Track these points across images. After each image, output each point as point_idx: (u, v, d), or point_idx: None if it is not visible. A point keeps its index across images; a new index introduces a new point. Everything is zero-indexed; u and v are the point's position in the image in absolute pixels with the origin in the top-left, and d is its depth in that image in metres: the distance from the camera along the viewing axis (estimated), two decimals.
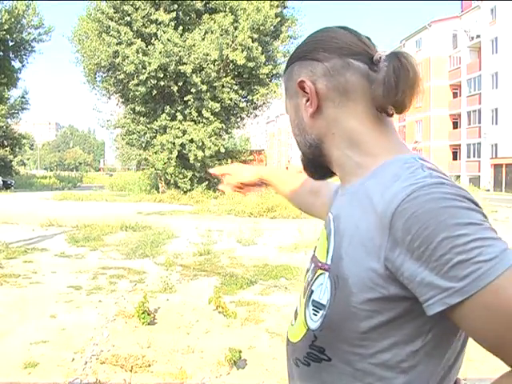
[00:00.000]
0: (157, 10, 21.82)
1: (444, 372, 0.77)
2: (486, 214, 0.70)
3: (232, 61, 21.91)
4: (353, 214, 0.79)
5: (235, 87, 22.86)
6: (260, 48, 21.83)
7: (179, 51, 21.11)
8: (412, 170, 0.73)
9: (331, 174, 0.92)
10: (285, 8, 24.40)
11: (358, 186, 0.81)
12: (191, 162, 22.46)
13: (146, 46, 21.54)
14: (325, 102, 0.85)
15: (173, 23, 21.57)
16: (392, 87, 0.79)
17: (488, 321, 0.64)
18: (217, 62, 22.03)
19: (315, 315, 0.81)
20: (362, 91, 0.83)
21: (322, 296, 0.80)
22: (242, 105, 23.89)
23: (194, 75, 21.44)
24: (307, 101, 0.86)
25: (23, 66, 32.36)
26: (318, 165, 0.91)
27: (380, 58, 0.83)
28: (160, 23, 21.63)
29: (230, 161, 24.41)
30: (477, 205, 0.70)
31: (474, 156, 39.93)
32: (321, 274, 0.82)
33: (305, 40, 0.91)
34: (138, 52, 21.22)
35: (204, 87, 21.76)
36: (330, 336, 0.78)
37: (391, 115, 0.84)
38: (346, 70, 0.83)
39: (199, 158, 22.28)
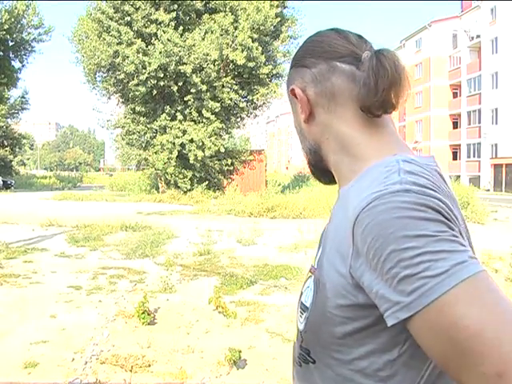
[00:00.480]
0: (157, 9, 21.82)
1: (428, 381, 0.73)
2: (453, 224, 0.66)
3: (232, 61, 21.91)
4: (337, 219, 0.79)
5: (235, 87, 22.86)
6: (260, 48, 21.82)
7: (179, 51, 21.10)
8: (387, 175, 0.70)
9: (331, 179, 0.91)
10: (285, 8, 24.37)
11: (346, 190, 0.80)
12: (191, 161, 22.45)
13: (146, 46, 21.54)
14: (316, 108, 0.85)
15: (173, 23, 21.57)
16: (371, 87, 0.77)
17: (434, 338, 0.62)
18: (217, 62, 22.02)
19: (301, 317, 0.82)
20: (349, 94, 0.82)
21: (307, 299, 0.81)
22: (242, 105, 23.87)
23: (193, 75, 21.44)
24: (301, 107, 0.87)
25: (23, 65, 32.34)
26: (321, 169, 0.91)
27: (366, 57, 0.80)
28: (160, 23, 21.63)
29: (229, 161, 24.43)
30: (443, 215, 0.66)
31: (474, 156, 39.92)
32: (309, 276, 0.84)
33: (300, 46, 0.92)
34: (138, 52, 21.22)
35: (204, 87, 21.76)
36: (312, 339, 0.80)
37: (378, 116, 0.81)
38: (332, 73, 0.83)
39: (199, 158, 22.27)
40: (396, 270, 0.62)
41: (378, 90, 0.77)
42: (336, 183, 0.92)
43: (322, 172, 0.92)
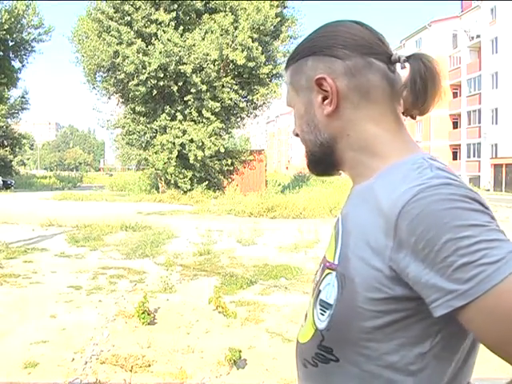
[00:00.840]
0: (157, 9, 21.81)
1: (454, 373, 0.75)
2: (494, 215, 0.70)
3: (232, 61, 21.91)
4: (359, 214, 0.78)
5: (235, 87, 22.85)
6: (260, 48, 21.82)
7: (179, 51, 21.10)
8: (420, 171, 0.73)
9: (334, 172, 0.91)
10: (285, 8, 24.39)
11: (366, 186, 0.80)
12: (191, 161, 22.45)
13: (147, 46, 21.54)
14: (343, 102, 0.82)
15: (173, 23, 21.56)
16: (421, 93, 0.79)
17: (493, 324, 0.63)
18: (217, 62, 22.02)
19: (322, 315, 0.80)
20: (382, 93, 0.82)
21: (329, 296, 0.79)
22: (241, 105, 23.87)
23: (193, 75, 21.43)
24: (324, 99, 0.83)
25: (23, 65, 32.36)
26: (324, 163, 0.89)
27: (399, 58, 0.82)
28: (160, 23, 21.63)
29: (229, 161, 24.42)
30: (484, 206, 0.69)
31: (474, 156, 39.91)
32: (328, 273, 0.81)
33: (317, 32, 0.87)
34: (138, 52, 21.21)
35: (204, 87, 21.76)
36: (337, 336, 0.77)
37: (415, 118, 0.84)
38: (368, 70, 0.81)
39: (199, 158, 22.27)
40: (452, 258, 0.64)
41: (428, 96, 0.79)
42: (328, 176, 0.94)
43: (322, 165, 0.90)
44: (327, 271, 0.82)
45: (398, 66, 0.84)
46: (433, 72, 0.79)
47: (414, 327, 0.72)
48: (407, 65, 0.81)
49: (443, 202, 0.67)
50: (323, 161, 0.89)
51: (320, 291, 0.82)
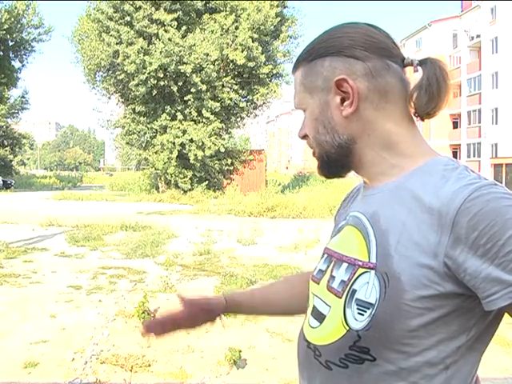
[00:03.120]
0: (157, 9, 21.81)
1: (479, 363, 0.80)
2: None
3: (232, 60, 21.92)
4: (396, 212, 0.79)
5: (235, 87, 22.86)
6: (260, 48, 21.83)
7: (180, 51, 21.10)
8: (459, 171, 0.77)
9: (345, 173, 0.91)
10: (285, 8, 24.39)
11: (396, 185, 0.82)
12: (191, 161, 22.46)
13: (148, 46, 21.54)
14: (363, 103, 0.83)
15: (174, 23, 21.56)
16: (435, 96, 0.82)
17: None
18: (217, 62, 22.03)
19: (361, 315, 0.78)
20: (398, 94, 0.83)
21: (369, 295, 0.78)
22: (242, 104, 23.87)
23: (194, 75, 21.43)
24: (342, 100, 0.83)
25: (23, 65, 32.37)
26: (339, 164, 0.89)
27: (411, 61, 0.84)
28: (161, 23, 21.63)
29: (229, 160, 24.43)
30: None
31: (474, 156, 39.92)
32: (363, 272, 0.80)
33: (332, 33, 0.87)
34: (139, 52, 21.21)
35: (204, 87, 21.76)
36: (377, 335, 0.77)
37: (423, 120, 0.85)
38: (387, 72, 0.82)
39: (199, 158, 22.27)
40: None
41: (441, 98, 0.82)
42: (339, 177, 0.94)
43: (336, 168, 0.90)
44: (361, 270, 0.81)
45: (407, 69, 0.86)
46: (446, 76, 0.82)
47: (454, 322, 0.75)
48: (419, 68, 0.83)
49: (501, 199, 0.70)
50: (338, 162, 0.88)
51: (355, 291, 0.80)
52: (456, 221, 0.71)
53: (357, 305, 0.79)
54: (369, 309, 0.77)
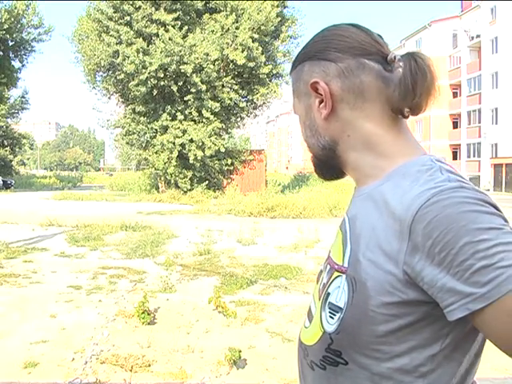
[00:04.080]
0: (157, 9, 21.81)
1: (462, 374, 0.76)
2: (506, 217, 0.70)
3: (232, 60, 21.91)
4: (368, 216, 0.78)
5: (235, 87, 22.85)
6: (260, 48, 21.82)
7: (180, 51, 21.09)
8: (431, 173, 0.73)
9: (342, 175, 0.91)
10: (285, 8, 24.39)
11: (373, 187, 0.80)
12: (191, 161, 22.45)
13: (147, 46, 21.53)
14: (339, 103, 0.83)
15: (174, 23, 21.56)
16: (409, 90, 0.78)
17: (509, 326, 0.64)
18: (217, 62, 22.02)
19: (332, 318, 0.79)
20: (377, 92, 0.82)
21: (339, 299, 0.78)
22: (242, 104, 23.86)
23: (194, 75, 21.43)
24: (320, 102, 0.84)
25: (23, 65, 32.33)
26: (330, 167, 0.89)
27: (394, 57, 0.81)
28: (161, 23, 21.62)
29: (229, 160, 24.42)
30: (497, 209, 0.69)
31: (474, 156, 39.91)
32: (337, 276, 0.80)
33: (313, 38, 0.88)
34: (138, 52, 21.21)
35: (204, 87, 21.75)
36: (347, 339, 0.77)
37: (407, 117, 0.83)
38: (361, 70, 0.81)
39: (199, 158, 22.27)
40: (470, 261, 0.64)
41: (416, 93, 0.78)
42: (335, 180, 0.93)
43: (328, 169, 0.91)
44: (336, 274, 0.81)
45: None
46: (423, 68, 0.78)
47: (425, 330, 0.72)
48: (401, 64, 0.80)
49: (459, 205, 0.67)
50: (328, 164, 0.89)
51: (329, 294, 0.81)
52: (412, 228, 0.69)
53: (329, 308, 0.80)
54: (338, 312, 0.78)
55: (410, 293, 0.71)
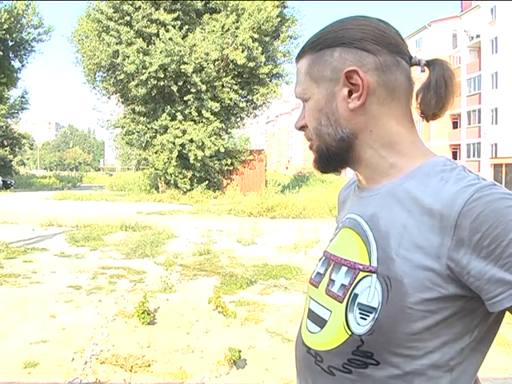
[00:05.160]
0: (157, 9, 21.81)
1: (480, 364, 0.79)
2: None
3: (232, 60, 21.91)
4: (394, 214, 0.78)
5: (235, 87, 22.85)
6: (260, 48, 21.82)
7: (180, 51, 21.09)
8: (457, 172, 0.76)
9: (341, 169, 0.89)
10: (285, 8, 24.39)
11: (394, 186, 0.80)
12: (191, 161, 22.45)
13: (147, 46, 21.53)
14: (370, 97, 0.81)
15: (174, 23, 21.56)
16: (443, 97, 0.82)
17: None
18: (217, 62, 22.03)
19: (364, 319, 0.77)
20: (405, 92, 0.82)
21: (372, 299, 0.76)
22: (241, 105, 23.87)
23: (194, 75, 21.43)
24: (349, 92, 0.81)
25: (23, 65, 32.30)
26: (338, 159, 0.87)
27: (419, 61, 0.83)
28: (161, 23, 21.62)
29: (229, 160, 24.42)
30: None
31: (473, 156, 39.90)
32: (365, 276, 0.79)
33: (340, 25, 0.84)
34: (138, 52, 21.21)
35: (204, 87, 21.75)
36: (381, 339, 0.75)
37: (428, 121, 0.86)
38: (396, 68, 0.81)
39: (199, 158, 22.27)
40: None
41: (447, 101, 0.83)
42: (333, 173, 0.91)
43: (336, 161, 0.87)
44: (362, 274, 0.79)
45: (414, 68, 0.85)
46: (454, 77, 0.83)
47: (458, 324, 0.74)
48: (426, 68, 0.83)
49: (502, 200, 0.69)
50: (337, 156, 0.86)
51: (357, 295, 0.79)
52: (458, 223, 0.70)
53: (359, 309, 0.78)
54: (371, 313, 0.76)
55: (450, 287, 0.73)
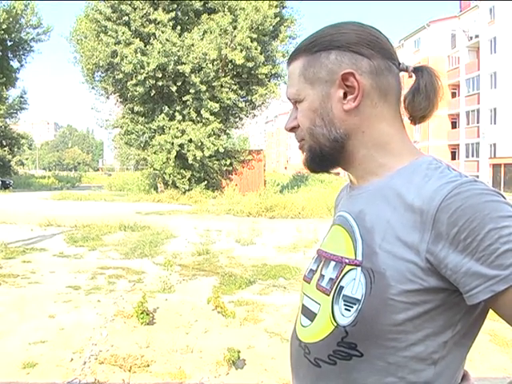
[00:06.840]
0: (155, 9, 21.80)
1: (465, 358, 0.81)
2: None
3: (231, 60, 21.91)
4: (380, 210, 0.82)
5: (234, 87, 22.85)
6: (259, 48, 21.82)
7: (178, 51, 21.08)
8: (441, 170, 0.79)
9: (333, 169, 0.92)
10: (284, 8, 24.39)
11: (382, 184, 0.84)
12: (190, 162, 22.44)
13: (145, 46, 21.51)
14: (364, 99, 0.84)
15: (171, 23, 21.55)
16: (431, 100, 0.87)
17: None
18: (216, 62, 22.02)
19: (348, 310, 0.80)
20: (395, 96, 0.87)
21: (356, 291, 0.79)
22: (240, 105, 23.87)
23: (192, 75, 21.42)
24: (345, 94, 0.84)
25: (22, 65, 32.30)
26: (330, 160, 0.89)
27: (407, 67, 0.88)
28: (159, 23, 21.61)
29: (228, 160, 24.42)
30: (505, 198, 0.75)
31: (472, 156, 39.95)
32: (350, 269, 0.82)
33: (336, 28, 0.86)
34: (136, 52, 21.20)
35: (203, 87, 21.75)
36: (364, 330, 0.78)
37: (415, 124, 0.91)
38: (389, 72, 0.85)
39: (198, 158, 22.27)
40: (495, 245, 0.69)
41: (435, 104, 0.88)
42: (324, 172, 0.96)
43: (328, 162, 0.90)
44: (348, 267, 0.82)
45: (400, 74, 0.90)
46: (441, 83, 0.89)
47: (440, 317, 0.76)
48: (413, 74, 0.88)
49: (479, 196, 0.72)
50: (330, 156, 0.89)
51: (342, 287, 0.82)
52: (437, 218, 0.73)
53: (344, 301, 0.81)
54: (355, 304, 0.79)
55: (431, 280, 0.75)
